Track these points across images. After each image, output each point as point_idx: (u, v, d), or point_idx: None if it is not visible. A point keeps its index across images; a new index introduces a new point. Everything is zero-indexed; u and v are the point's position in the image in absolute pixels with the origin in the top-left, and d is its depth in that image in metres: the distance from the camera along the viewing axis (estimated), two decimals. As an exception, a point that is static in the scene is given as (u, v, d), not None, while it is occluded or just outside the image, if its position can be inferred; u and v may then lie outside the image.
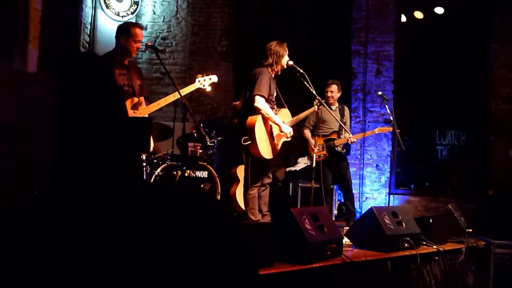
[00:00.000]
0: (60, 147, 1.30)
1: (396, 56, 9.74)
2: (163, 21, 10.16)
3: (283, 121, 6.14)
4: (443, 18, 9.85)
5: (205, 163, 7.10)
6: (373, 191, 9.57)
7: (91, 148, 1.30)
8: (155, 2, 10.13)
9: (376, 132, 7.72)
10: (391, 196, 8.86)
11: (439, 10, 9.88)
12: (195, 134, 7.17)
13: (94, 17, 9.28)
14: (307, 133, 7.86)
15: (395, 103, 9.18)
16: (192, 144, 7.32)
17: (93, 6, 9.29)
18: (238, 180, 7.29)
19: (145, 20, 10.12)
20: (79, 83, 1.34)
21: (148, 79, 9.98)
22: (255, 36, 9.59)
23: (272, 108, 6.08)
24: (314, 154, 6.62)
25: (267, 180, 6.20)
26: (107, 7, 9.36)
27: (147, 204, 1.25)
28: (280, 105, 6.35)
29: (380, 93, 7.93)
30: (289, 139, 6.17)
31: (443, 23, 9.83)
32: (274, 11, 9.74)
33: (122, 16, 9.57)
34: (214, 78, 6.02)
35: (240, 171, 7.30)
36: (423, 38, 9.97)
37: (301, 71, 6.35)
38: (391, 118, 7.46)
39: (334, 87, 7.77)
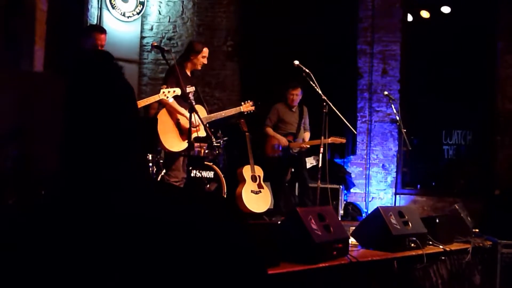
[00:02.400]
0: (68, 148, 1.30)
1: (402, 55, 9.73)
2: (169, 21, 10.17)
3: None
4: (449, 17, 9.82)
5: (211, 163, 7.11)
6: (379, 191, 9.56)
7: (99, 150, 1.29)
8: (161, 2, 10.15)
9: (329, 142, 7.45)
10: (398, 196, 8.85)
11: (446, 9, 9.85)
12: (201, 134, 7.17)
13: (99, 17, 9.29)
14: (269, 130, 7.89)
15: (401, 103, 9.17)
16: (198, 144, 7.32)
17: (99, 6, 9.30)
18: (244, 180, 7.29)
19: (151, 20, 10.13)
20: (90, 82, 1.34)
21: (153, 79, 9.99)
22: (261, 35, 9.60)
23: (186, 104, 6.15)
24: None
25: (182, 175, 6.36)
26: (113, 7, 9.37)
27: (151, 206, 1.24)
28: (198, 102, 6.49)
29: (386, 92, 7.91)
30: (198, 130, 6.30)
31: (449, 22, 9.80)
32: (279, 11, 9.73)
33: (128, 17, 9.58)
34: (178, 91, 6.05)
35: (246, 171, 7.32)
36: (429, 38, 9.94)
37: (307, 71, 6.38)
38: (397, 118, 7.45)
39: (299, 91, 7.77)
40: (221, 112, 6.81)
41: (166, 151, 6.21)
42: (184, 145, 6.17)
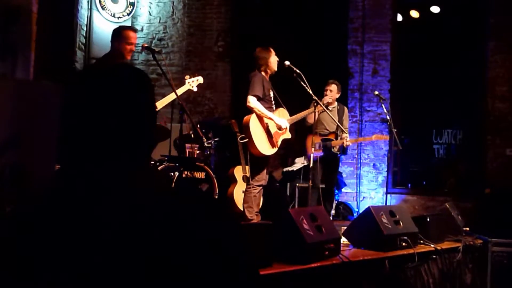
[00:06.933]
0: (61, 149, 1.30)
1: (392, 55, 9.76)
2: (159, 22, 10.15)
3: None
4: (439, 17, 9.87)
5: (203, 164, 7.10)
6: (370, 190, 9.58)
7: (92, 155, 1.30)
8: (151, 3, 10.13)
9: (373, 139, 7.52)
10: (389, 195, 8.86)
11: (435, 9, 9.90)
12: (193, 135, 7.16)
13: (89, 18, 9.26)
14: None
15: (391, 103, 9.20)
16: (190, 145, 7.31)
17: (89, 7, 9.27)
18: (236, 181, 7.28)
19: (141, 21, 10.11)
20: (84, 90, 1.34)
21: (144, 80, 9.97)
22: (252, 36, 9.60)
23: (270, 108, 6.30)
24: (311, 154, 6.64)
25: (266, 179, 6.46)
26: (103, 8, 9.35)
27: (147, 208, 1.25)
28: (278, 106, 6.49)
29: (376, 92, 7.90)
30: (285, 133, 6.39)
31: (439, 22, 9.85)
32: (270, 11, 9.74)
33: (118, 18, 9.56)
34: (201, 79, 6.12)
35: (238, 171, 7.30)
36: (419, 37, 9.98)
37: (298, 71, 6.38)
38: (388, 118, 7.46)
39: (333, 87, 7.58)
40: (298, 114, 6.82)
41: (257, 155, 6.21)
42: (274, 149, 6.29)
